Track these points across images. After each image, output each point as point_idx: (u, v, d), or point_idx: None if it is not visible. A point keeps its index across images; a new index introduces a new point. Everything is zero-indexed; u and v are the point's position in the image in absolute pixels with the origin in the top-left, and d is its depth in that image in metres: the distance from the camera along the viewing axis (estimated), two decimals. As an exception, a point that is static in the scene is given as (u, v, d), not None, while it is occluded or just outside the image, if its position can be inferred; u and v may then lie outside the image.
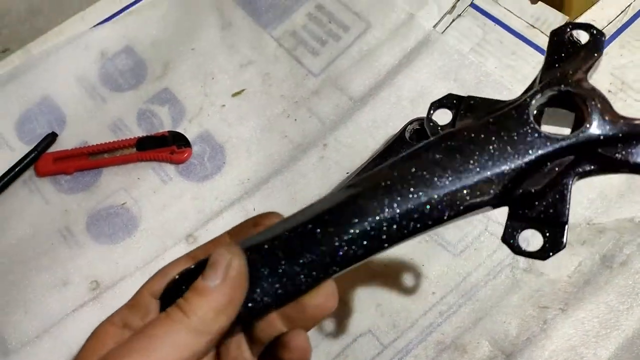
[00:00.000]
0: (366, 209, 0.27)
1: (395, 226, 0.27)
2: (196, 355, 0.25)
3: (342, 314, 0.47)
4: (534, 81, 0.30)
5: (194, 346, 0.25)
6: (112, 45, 0.63)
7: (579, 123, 0.27)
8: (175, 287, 0.28)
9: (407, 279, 0.47)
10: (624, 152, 0.26)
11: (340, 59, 0.59)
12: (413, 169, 0.27)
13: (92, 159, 0.56)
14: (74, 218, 0.54)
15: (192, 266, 0.29)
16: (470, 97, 0.31)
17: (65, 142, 0.59)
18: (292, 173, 0.54)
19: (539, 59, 0.54)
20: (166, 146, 0.56)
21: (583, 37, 0.31)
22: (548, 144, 0.26)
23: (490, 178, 0.27)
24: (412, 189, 0.27)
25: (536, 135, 0.27)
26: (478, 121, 0.28)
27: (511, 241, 0.28)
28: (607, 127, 0.26)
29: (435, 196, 0.26)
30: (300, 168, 0.54)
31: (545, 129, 0.28)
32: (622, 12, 0.54)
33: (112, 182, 0.56)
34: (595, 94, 0.27)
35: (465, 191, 0.27)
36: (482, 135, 0.27)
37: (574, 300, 0.42)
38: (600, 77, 0.52)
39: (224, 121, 0.58)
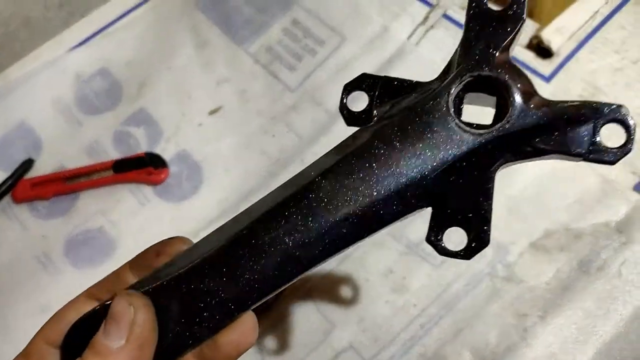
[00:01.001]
0: (264, 244, 0.25)
1: (305, 251, 0.25)
2: None
3: (323, 329, 0.46)
4: (451, 62, 0.27)
5: None
6: (88, 67, 0.63)
7: (502, 110, 0.25)
8: (75, 337, 0.26)
9: (389, 293, 0.47)
10: (550, 139, 0.24)
11: (317, 73, 0.60)
12: (327, 191, 0.25)
13: (69, 183, 0.56)
14: (52, 244, 0.54)
15: (92, 310, 0.26)
16: (386, 78, 0.28)
17: (42, 167, 0.58)
18: (271, 190, 0.54)
19: (511, 67, 0.54)
20: (143, 167, 0.56)
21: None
22: (470, 139, 0.24)
23: (410, 184, 0.25)
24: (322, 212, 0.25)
25: (457, 130, 0.24)
26: (396, 116, 0.26)
27: (435, 242, 0.25)
28: (532, 116, 0.24)
29: (351, 212, 0.24)
30: (279, 184, 0.54)
31: (469, 109, 0.25)
32: (590, 17, 0.54)
33: (90, 206, 0.56)
34: (518, 78, 0.24)
35: (392, 195, 0.25)
36: (404, 132, 0.25)
37: (553, 306, 0.42)
38: (573, 83, 0.52)
39: (202, 140, 0.58)
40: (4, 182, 0.57)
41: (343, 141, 0.27)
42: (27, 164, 0.58)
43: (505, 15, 0.26)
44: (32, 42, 0.67)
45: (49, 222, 0.55)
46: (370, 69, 0.58)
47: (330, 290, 0.49)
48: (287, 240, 0.25)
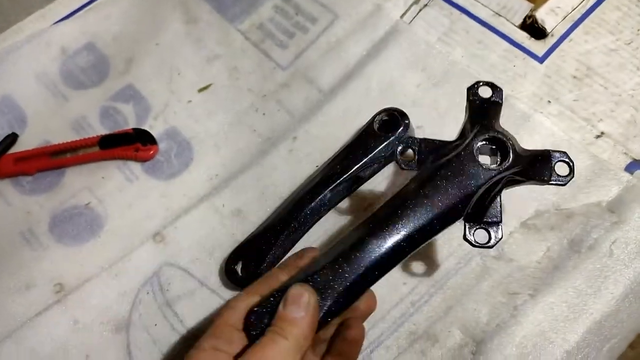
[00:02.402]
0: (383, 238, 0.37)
1: (405, 243, 0.37)
2: None
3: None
4: (464, 128, 0.41)
5: (296, 357, 0.33)
6: (73, 41, 0.61)
7: (504, 156, 0.39)
8: (254, 319, 0.35)
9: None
10: (531, 170, 0.38)
11: (309, 51, 0.59)
12: (408, 205, 0.38)
13: (54, 159, 0.55)
14: (36, 220, 0.53)
15: (264, 299, 0.36)
16: (425, 139, 0.41)
17: (27, 142, 0.57)
18: (262, 167, 0.54)
19: (505, 47, 0.54)
20: (130, 144, 0.55)
21: (488, 92, 0.42)
22: (488, 173, 0.38)
23: (452, 205, 0.37)
24: (412, 215, 0.38)
25: (480, 168, 0.38)
26: (438, 162, 0.39)
27: (469, 239, 0.38)
28: (519, 159, 0.38)
29: (423, 221, 0.37)
30: (270, 162, 0.54)
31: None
32: (585, -2, 0.54)
33: (76, 182, 0.54)
34: (511, 137, 0.39)
35: (447, 211, 0.37)
36: (451, 174, 0.38)
37: (543, 285, 0.42)
38: (566, 63, 0.52)
39: (191, 117, 0.57)
40: (-13, 156, 0.55)
41: (404, 186, 0.40)
42: (11, 139, 0.56)
43: (492, 101, 0.42)
44: (15, 15, 0.65)
45: (34, 197, 0.54)
46: (362, 48, 0.58)
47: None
48: (384, 245, 0.37)
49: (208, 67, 0.59)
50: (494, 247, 0.43)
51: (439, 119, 0.52)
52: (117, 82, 0.59)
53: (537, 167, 0.38)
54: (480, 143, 0.39)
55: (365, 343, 0.44)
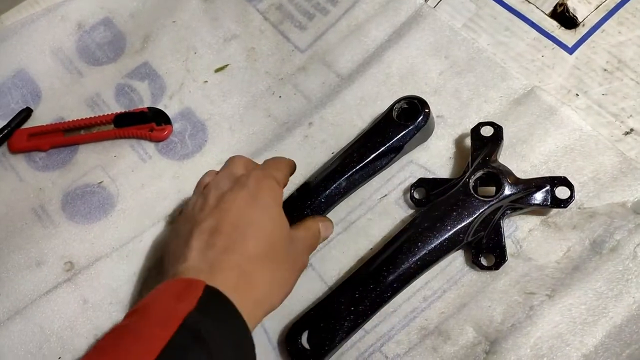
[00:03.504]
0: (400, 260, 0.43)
1: (413, 268, 0.43)
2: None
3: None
4: (468, 163, 0.46)
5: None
6: (90, 16, 0.60)
7: (498, 188, 0.44)
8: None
9: (392, 263, 0.46)
10: (530, 197, 0.44)
11: (328, 34, 0.57)
12: (413, 240, 0.44)
13: (68, 136, 0.54)
14: (48, 196, 0.53)
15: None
16: (434, 179, 0.48)
17: (41, 118, 0.57)
18: (276, 152, 0.52)
19: (533, 36, 0.52)
20: (145, 123, 0.54)
21: (489, 130, 0.47)
22: (484, 204, 0.43)
23: (458, 232, 0.43)
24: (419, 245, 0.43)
25: (477, 200, 0.43)
26: (443, 197, 0.45)
27: (477, 262, 0.44)
28: (513, 189, 0.43)
29: (431, 247, 0.43)
30: (285, 147, 0.53)
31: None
32: (621, -13, 0.51)
33: (89, 160, 0.54)
34: (505, 171, 0.44)
35: (445, 242, 0.43)
36: (448, 208, 0.44)
37: (562, 286, 0.41)
38: (597, 55, 0.50)
39: (206, 98, 0.56)
40: (0, 130, 0.55)
41: (416, 217, 0.46)
42: (25, 113, 0.56)
43: (492, 138, 0.46)
44: (32, -13, 0.64)
45: (46, 174, 0.54)
46: (383, 32, 0.56)
47: (334, 256, 0.47)
48: (394, 273, 0.43)
49: (225, 47, 0.58)
50: (509, 243, 0.45)
51: (461, 109, 0.51)
52: (133, 60, 0.58)
53: (536, 193, 0.43)
54: (476, 178, 0.45)
55: (375, 336, 0.44)
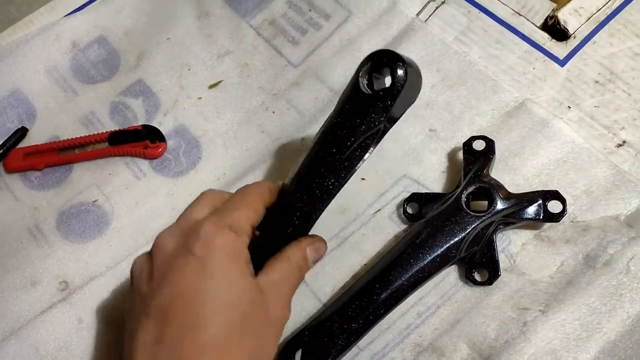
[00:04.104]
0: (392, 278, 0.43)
1: (405, 284, 0.43)
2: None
3: (317, 314, 0.45)
4: (461, 177, 0.47)
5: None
6: (84, 35, 0.60)
7: (490, 203, 0.44)
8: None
9: (386, 278, 0.46)
10: (522, 212, 0.44)
11: (321, 48, 0.57)
12: (405, 256, 0.43)
13: (62, 155, 0.55)
14: (43, 216, 0.53)
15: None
16: (427, 194, 0.48)
17: (36, 137, 0.57)
18: (269, 168, 0.53)
19: (525, 49, 0.52)
20: (140, 140, 0.54)
21: (482, 144, 0.47)
22: (476, 219, 0.43)
23: (451, 247, 0.43)
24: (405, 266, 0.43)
25: (469, 216, 0.43)
26: (436, 212, 0.45)
27: (470, 277, 0.44)
28: (506, 203, 0.44)
29: (425, 263, 0.43)
30: (278, 163, 0.53)
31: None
32: (611, -2, 0.51)
33: (84, 178, 0.54)
34: (497, 185, 0.44)
35: (438, 258, 0.43)
36: (441, 223, 0.44)
37: (555, 301, 0.41)
38: (588, 67, 0.50)
39: (200, 114, 0.56)
40: (-4, 150, 0.55)
41: (408, 232, 0.46)
42: (20, 133, 0.56)
43: (484, 152, 0.47)
44: (27, 7, 0.64)
45: (42, 193, 0.54)
46: (376, 46, 0.56)
47: (327, 276, 0.47)
48: (387, 290, 0.43)
49: (219, 63, 0.58)
50: (502, 257, 0.44)
51: (453, 123, 0.51)
52: (128, 77, 0.59)
53: (529, 208, 0.43)
54: (468, 193, 0.44)
55: (369, 354, 0.43)
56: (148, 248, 0.49)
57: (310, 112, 0.55)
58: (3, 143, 0.56)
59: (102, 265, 0.50)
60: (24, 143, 0.57)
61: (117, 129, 0.55)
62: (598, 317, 0.39)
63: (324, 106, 0.54)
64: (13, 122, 0.57)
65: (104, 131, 0.55)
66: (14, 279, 0.50)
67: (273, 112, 0.55)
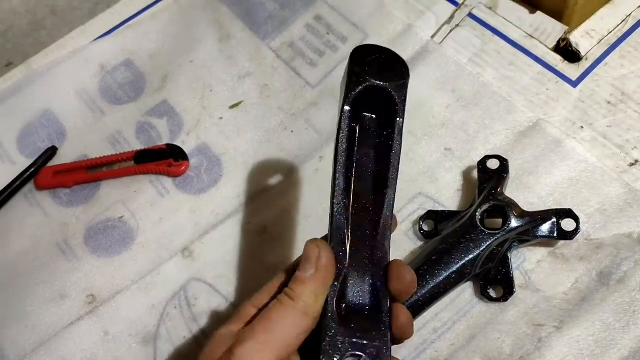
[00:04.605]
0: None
1: (421, 301, 0.44)
2: (304, 333, 0.32)
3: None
4: (475, 195, 0.48)
5: (302, 325, 0.32)
6: (112, 58, 0.63)
7: (505, 221, 0.45)
8: None
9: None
10: (536, 229, 0.45)
11: (338, 69, 0.59)
12: (421, 272, 0.44)
13: (91, 173, 0.57)
14: (72, 231, 0.55)
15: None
16: (443, 211, 0.49)
17: (65, 156, 0.59)
18: (288, 186, 0.54)
19: (538, 70, 0.53)
20: (164, 159, 0.56)
21: (496, 163, 0.48)
22: (491, 237, 0.44)
23: (466, 264, 0.44)
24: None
25: (484, 233, 0.44)
26: (451, 229, 0.46)
27: (485, 294, 0.45)
28: (520, 221, 0.45)
29: (440, 280, 0.44)
30: (296, 181, 0.54)
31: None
32: (622, 21, 0.53)
33: (111, 195, 0.56)
34: (511, 204, 0.46)
35: (454, 274, 0.44)
36: (456, 240, 0.45)
37: (569, 318, 0.42)
38: (600, 88, 0.51)
39: (222, 133, 0.58)
40: (27, 169, 0.58)
41: (424, 249, 0.47)
42: (51, 152, 0.59)
43: (498, 171, 0.48)
44: (57, 31, 0.68)
45: (71, 209, 0.56)
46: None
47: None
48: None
49: (239, 84, 0.61)
50: (518, 274, 0.45)
51: (468, 142, 0.52)
52: (153, 98, 0.61)
53: (542, 225, 0.44)
54: (482, 211, 0.45)
55: (386, 368, 0.44)
56: (171, 263, 0.52)
57: (327, 131, 0.56)
58: (34, 162, 0.58)
59: (128, 279, 0.52)
60: (54, 161, 0.59)
61: (142, 148, 0.58)
62: (612, 334, 0.40)
63: (341, 126, 0.56)
64: (44, 142, 0.60)
65: (130, 150, 0.58)
66: (44, 292, 0.52)
67: (292, 131, 0.57)
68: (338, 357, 0.32)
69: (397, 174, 0.37)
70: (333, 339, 0.32)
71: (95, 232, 0.55)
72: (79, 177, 0.57)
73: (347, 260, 0.35)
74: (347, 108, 0.36)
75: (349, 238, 0.35)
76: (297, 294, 0.32)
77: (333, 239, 0.35)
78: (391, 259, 0.47)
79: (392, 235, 0.49)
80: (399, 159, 0.37)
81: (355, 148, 0.38)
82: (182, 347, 0.48)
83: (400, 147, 0.37)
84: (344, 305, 0.34)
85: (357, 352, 0.32)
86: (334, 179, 0.36)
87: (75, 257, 0.54)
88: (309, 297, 0.32)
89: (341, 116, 0.36)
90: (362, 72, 0.36)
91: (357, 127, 0.38)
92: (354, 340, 0.32)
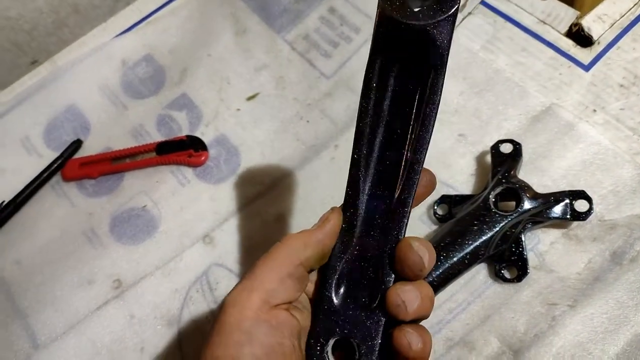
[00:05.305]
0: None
1: (435, 282, 0.45)
2: (287, 276, 0.33)
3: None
4: (489, 179, 0.48)
5: (285, 269, 0.33)
6: (133, 54, 0.65)
7: (518, 203, 0.46)
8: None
9: (417, 277, 0.48)
10: (549, 211, 0.45)
11: (352, 60, 0.60)
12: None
13: (115, 164, 0.59)
14: (98, 220, 0.57)
15: None
16: (456, 195, 0.50)
17: (90, 148, 0.62)
18: (304, 175, 0.56)
19: (550, 55, 0.54)
20: (184, 150, 0.58)
21: (509, 147, 0.49)
22: (504, 219, 0.45)
23: (480, 246, 0.45)
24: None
25: (497, 215, 0.45)
26: (465, 212, 0.47)
27: (500, 275, 0.46)
28: (533, 203, 0.46)
29: (454, 261, 0.45)
30: (312, 169, 0.56)
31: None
32: (635, 4, 0.53)
33: (134, 186, 0.58)
34: (524, 186, 0.46)
35: (467, 256, 0.45)
36: (470, 223, 0.46)
37: (583, 297, 0.42)
38: (613, 71, 0.51)
39: (239, 125, 0.60)
40: (54, 161, 0.60)
41: (438, 232, 0.48)
42: (76, 145, 0.61)
43: (511, 155, 0.49)
44: (80, 29, 0.70)
45: (96, 200, 0.59)
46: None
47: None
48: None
49: (256, 76, 0.62)
50: (532, 255, 0.44)
51: (481, 128, 0.53)
52: (172, 92, 0.63)
53: (555, 207, 0.45)
54: (496, 194, 0.46)
55: (402, 347, 0.45)
56: (193, 250, 0.54)
57: (342, 120, 0.58)
58: (60, 154, 0.61)
59: (152, 265, 0.53)
60: (80, 154, 0.61)
61: (163, 139, 0.60)
62: (625, 311, 0.41)
63: (355, 115, 0.57)
64: (69, 135, 0.62)
65: (152, 142, 0.59)
66: (72, 278, 0.54)
67: (307, 121, 0.59)
68: (327, 337, 0.34)
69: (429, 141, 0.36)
70: (327, 315, 0.34)
71: (120, 220, 0.57)
72: (103, 168, 0.59)
73: (357, 231, 0.36)
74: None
75: (362, 214, 0.36)
76: (287, 237, 0.35)
77: (347, 206, 0.36)
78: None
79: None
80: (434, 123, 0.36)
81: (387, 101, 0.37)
82: (205, 328, 0.50)
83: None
84: (345, 280, 0.35)
85: (347, 330, 0.34)
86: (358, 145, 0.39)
87: (101, 244, 0.56)
88: (296, 240, 0.35)
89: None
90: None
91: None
92: (347, 319, 0.34)
